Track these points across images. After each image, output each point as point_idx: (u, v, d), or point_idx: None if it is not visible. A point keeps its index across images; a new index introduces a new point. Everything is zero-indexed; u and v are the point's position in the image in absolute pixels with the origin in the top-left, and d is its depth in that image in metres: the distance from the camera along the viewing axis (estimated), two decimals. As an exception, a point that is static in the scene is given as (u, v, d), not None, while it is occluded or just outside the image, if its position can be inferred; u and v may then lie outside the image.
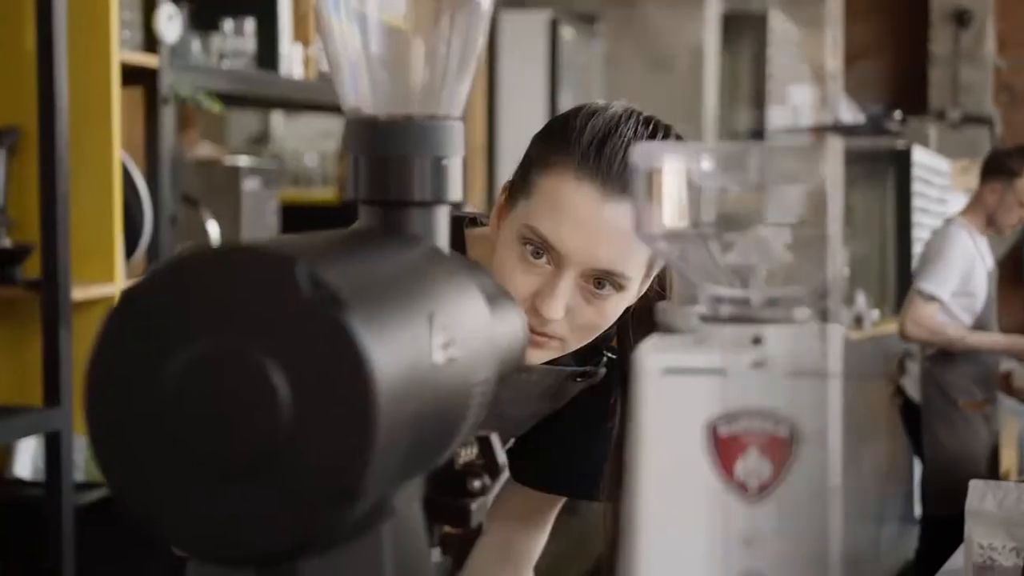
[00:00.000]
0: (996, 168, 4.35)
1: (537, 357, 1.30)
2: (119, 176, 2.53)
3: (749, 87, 7.39)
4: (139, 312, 0.64)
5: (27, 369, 2.44)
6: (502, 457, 1.03)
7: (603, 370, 1.41)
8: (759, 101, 7.36)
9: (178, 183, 2.88)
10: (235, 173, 3.08)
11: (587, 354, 1.41)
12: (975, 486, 2.05)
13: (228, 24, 3.05)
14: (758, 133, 7.36)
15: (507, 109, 4.83)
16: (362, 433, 0.62)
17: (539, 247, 1.25)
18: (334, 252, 0.70)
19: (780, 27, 7.49)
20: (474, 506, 0.88)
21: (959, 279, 4.27)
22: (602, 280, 1.25)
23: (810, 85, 5.48)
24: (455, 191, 0.84)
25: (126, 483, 0.65)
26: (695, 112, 5.62)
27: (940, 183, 7.61)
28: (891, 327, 6.61)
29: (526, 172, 1.28)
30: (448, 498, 0.88)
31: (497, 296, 0.88)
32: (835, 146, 0.72)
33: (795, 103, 8.04)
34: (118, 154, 2.53)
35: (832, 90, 5.52)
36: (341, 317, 0.62)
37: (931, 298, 4.23)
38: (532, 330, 1.26)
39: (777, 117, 7.49)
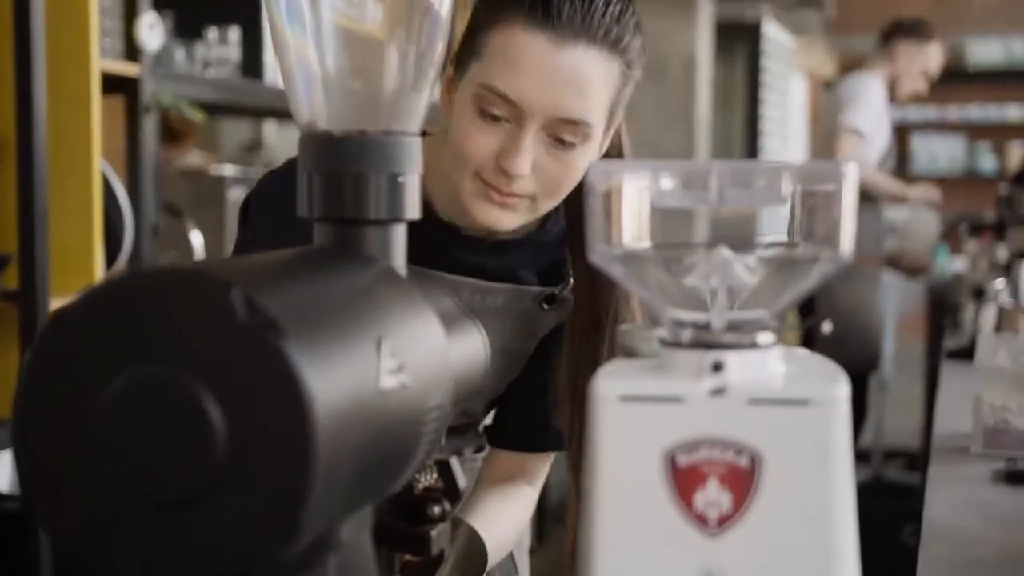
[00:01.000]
0: (911, 31, 4.59)
1: (509, 220, 1.28)
2: (99, 186, 2.50)
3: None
4: (71, 336, 0.62)
5: (4, 381, 2.41)
6: (463, 481, 1.00)
7: (569, 296, 1.40)
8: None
9: (160, 193, 2.85)
10: (220, 183, 3.06)
11: (550, 275, 1.40)
12: (986, 339, 1.93)
13: (212, 32, 3.03)
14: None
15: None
16: (300, 465, 0.59)
17: (496, 106, 1.23)
18: (277, 275, 0.67)
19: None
20: (434, 533, 0.85)
21: (873, 121, 4.43)
22: (564, 135, 1.24)
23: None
24: (412, 208, 0.82)
25: (55, 514, 0.62)
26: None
27: (785, 60, 7.79)
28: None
29: (473, 35, 1.26)
30: (407, 525, 0.85)
31: (455, 316, 0.86)
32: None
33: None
34: (98, 163, 2.50)
35: None
36: (278, 344, 0.59)
37: (854, 131, 4.37)
38: (500, 191, 1.25)
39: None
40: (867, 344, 4.40)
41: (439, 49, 0.83)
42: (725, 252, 0.71)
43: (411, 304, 0.75)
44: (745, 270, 0.70)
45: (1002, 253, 4.16)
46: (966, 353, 2.87)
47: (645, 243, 0.72)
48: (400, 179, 0.81)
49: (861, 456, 5.57)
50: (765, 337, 0.70)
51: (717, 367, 0.68)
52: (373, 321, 0.69)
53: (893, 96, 4.62)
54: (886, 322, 5.85)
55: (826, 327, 3.41)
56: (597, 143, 1.28)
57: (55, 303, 2.40)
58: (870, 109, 4.42)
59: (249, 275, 0.64)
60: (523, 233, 1.39)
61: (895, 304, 5.93)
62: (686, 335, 0.70)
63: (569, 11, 1.20)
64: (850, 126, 4.37)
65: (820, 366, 0.72)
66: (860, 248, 3.63)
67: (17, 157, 2.36)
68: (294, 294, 0.65)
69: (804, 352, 0.76)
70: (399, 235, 0.82)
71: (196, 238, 2.95)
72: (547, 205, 1.28)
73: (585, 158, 1.26)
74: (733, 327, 0.70)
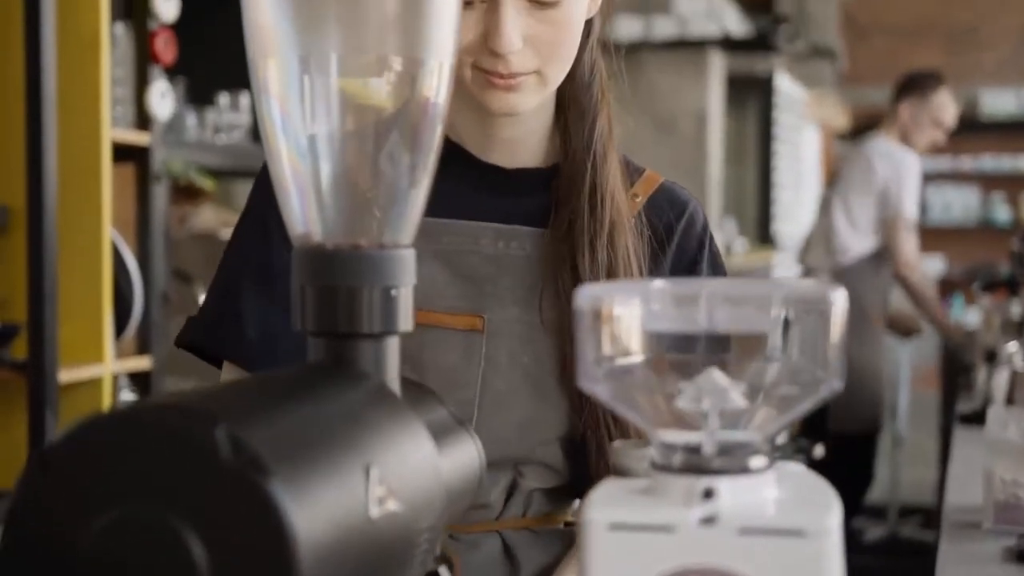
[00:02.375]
0: (913, 86, 4.62)
1: (523, 101, 1.20)
2: (109, 255, 2.51)
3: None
4: (54, 475, 0.61)
5: (13, 452, 2.41)
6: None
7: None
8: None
9: (171, 258, 2.86)
10: (230, 246, 3.06)
11: None
12: (995, 413, 1.91)
13: (223, 98, 3.05)
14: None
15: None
16: (285, 605, 0.59)
17: None
18: (262, 404, 0.67)
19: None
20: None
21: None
22: None
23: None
24: (406, 321, 0.82)
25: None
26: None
27: (797, 112, 7.82)
28: (760, 257, 6.76)
29: None
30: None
31: (448, 427, 0.85)
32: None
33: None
34: (108, 233, 2.51)
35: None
36: (263, 483, 0.59)
37: (912, 220, 4.39)
38: (500, 75, 1.18)
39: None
40: (871, 404, 4.37)
41: (431, 160, 0.83)
42: (716, 375, 0.70)
43: (402, 423, 0.75)
44: (738, 394, 0.70)
45: (1016, 309, 4.14)
46: (979, 418, 2.85)
47: (635, 364, 0.72)
48: (393, 292, 0.80)
49: (877, 513, 5.53)
50: (757, 461, 0.69)
51: (708, 494, 0.68)
52: (362, 447, 0.69)
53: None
54: (900, 376, 5.84)
55: (818, 451, 3.40)
56: None
57: (64, 374, 2.40)
58: (916, 189, 4.42)
59: (235, 407, 0.64)
60: (551, 161, 1.30)
61: (908, 358, 5.91)
62: (677, 459, 0.70)
63: None
64: (910, 217, 4.37)
65: (814, 489, 0.71)
66: (867, 306, 3.61)
67: (27, 227, 2.37)
68: (281, 425, 0.64)
69: (798, 468, 0.75)
70: (392, 348, 0.82)
71: (206, 303, 2.95)
72: (557, 73, 1.21)
73: (577, 10, 1.19)
74: (724, 451, 0.70)
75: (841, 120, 9.34)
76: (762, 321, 0.70)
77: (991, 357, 3.27)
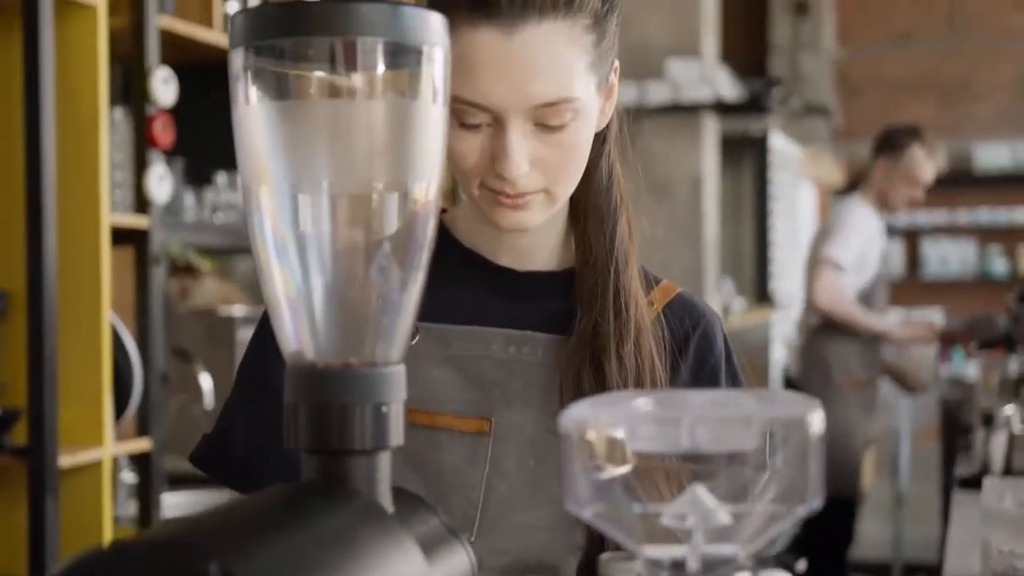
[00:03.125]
0: (884, 144, 4.58)
1: (530, 218, 1.19)
2: (108, 338, 2.53)
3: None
4: (53, 610, 0.63)
5: (12, 538, 2.41)
6: None
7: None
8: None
9: (170, 336, 2.88)
10: (231, 323, 3.08)
11: None
12: (990, 484, 1.90)
13: (221, 177, 3.08)
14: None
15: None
16: None
17: (470, 115, 1.15)
18: (254, 532, 0.68)
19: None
20: None
21: (857, 251, 4.38)
22: (550, 120, 1.15)
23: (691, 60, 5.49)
24: (397, 436, 0.84)
25: None
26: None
27: (792, 169, 7.84)
28: (758, 316, 6.76)
29: None
30: None
31: (441, 539, 0.87)
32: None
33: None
34: (107, 317, 2.53)
35: (710, 63, 5.57)
36: (256, 618, 0.60)
37: (836, 265, 4.33)
38: (507, 195, 1.17)
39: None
40: (844, 468, 4.32)
41: (419, 281, 0.85)
42: (700, 492, 0.72)
43: (392, 541, 0.76)
44: (722, 511, 0.71)
45: (1014, 367, 4.14)
46: (977, 482, 2.85)
47: (619, 483, 0.73)
48: (384, 409, 0.82)
49: (880, 572, 5.51)
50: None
51: (693, 610, 0.69)
52: (353, 569, 0.70)
53: (889, 210, 4.62)
54: (901, 433, 5.83)
55: (800, 566, 3.36)
56: (592, 110, 1.19)
57: (64, 459, 2.41)
58: (854, 238, 4.39)
59: (227, 538, 0.65)
60: (564, 265, 1.30)
61: (909, 414, 5.92)
62: (663, 574, 0.71)
63: None
64: (828, 257, 4.35)
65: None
66: (843, 370, 3.60)
67: (27, 312, 2.39)
68: (272, 554, 0.66)
69: (782, 577, 0.76)
70: (384, 463, 0.83)
71: (206, 381, 2.97)
72: (564, 191, 1.20)
73: (585, 129, 1.19)
74: (709, 566, 0.71)
75: (836, 176, 9.40)
76: (744, 440, 0.72)
77: (988, 420, 3.27)
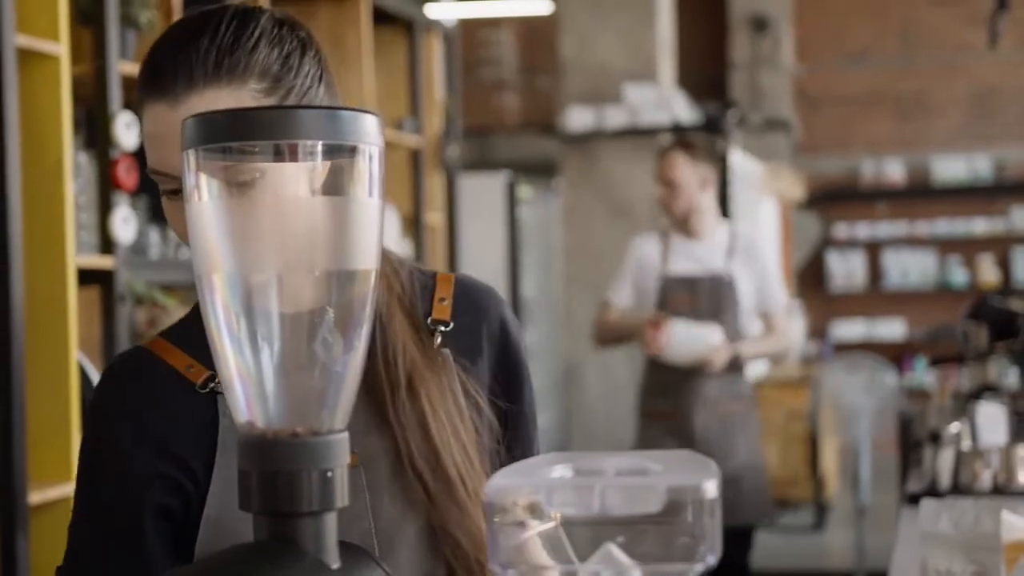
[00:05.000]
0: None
1: None
2: (76, 377, 2.59)
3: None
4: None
5: (-16, 575, 2.47)
6: None
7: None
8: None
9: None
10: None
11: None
12: (927, 505, 1.98)
13: (185, 214, 3.15)
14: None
15: (468, 268, 4.95)
16: None
17: (166, 183, 1.21)
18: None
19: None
20: None
21: (632, 285, 4.16)
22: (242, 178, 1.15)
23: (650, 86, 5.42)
24: (342, 497, 0.91)
25: None
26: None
27: (754, 185, 7.95)
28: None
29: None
30: None
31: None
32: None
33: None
34: (75, 356, 2.59)
35: (667, 88, 5.57)
36: None
37: (606, 304, 4.19)
38: None
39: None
40: (753, 496, 4.20)
41: (365, 340, 0.92)
42: (613, 550, 0.80)
43: (338, 598, 0.84)
44: (634, 569, 0.79)
45: (965, 382, 4.23)
46: (925, 498, 2.93)
47: (539, 544, 0.81)
48: (330, 474, 0.90)
49: (844, 582, 5.62)
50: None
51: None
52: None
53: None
54: (861, 447, 5.94)
55: None
56: (284, 173, 1.16)
57: (34, 496, 2.47)
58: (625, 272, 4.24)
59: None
60: None
61: (868, 428, 6.02)
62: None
63: (172, 69, 1.19)
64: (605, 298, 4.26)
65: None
66: (723, 396, 3.56)
67: (-5, 353, 2.46)
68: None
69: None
70: (330, 523, 0.91)
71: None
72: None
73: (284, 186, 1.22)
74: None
75: (797, 191, 9.54)
76: (649, 504, 0.80)
77: (936, 437, 3.36)
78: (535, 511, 0.82)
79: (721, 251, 4.08)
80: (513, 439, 1.34)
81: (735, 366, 4.08)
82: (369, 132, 0.90)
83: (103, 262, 2.74)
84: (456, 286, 1.36)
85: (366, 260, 0.91)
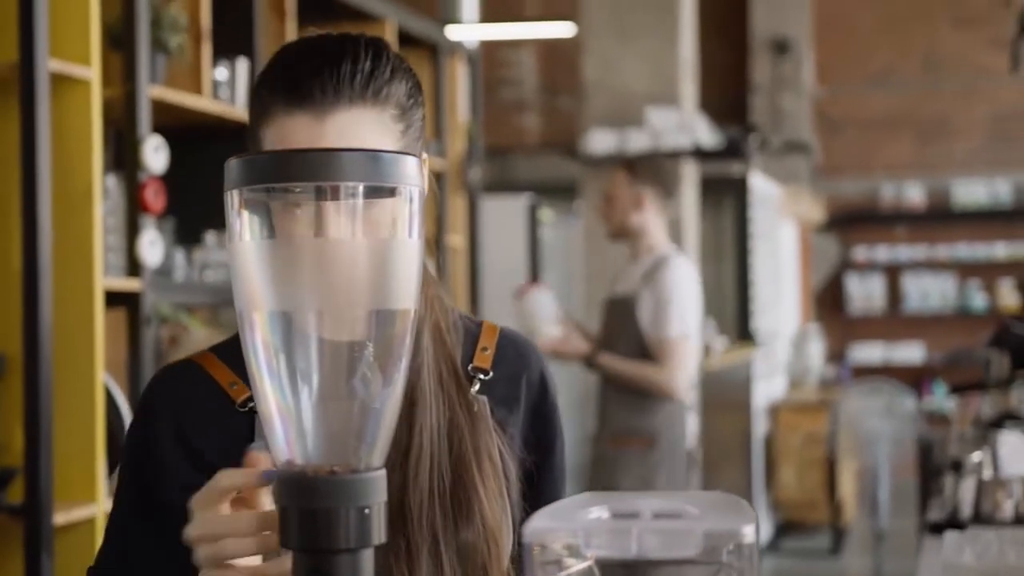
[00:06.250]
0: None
1: None
2: (102, 399, 2.61)
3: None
4: None
5: (10, 597, 2.49)
6: None
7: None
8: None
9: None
10: (218, 377, 3.15)
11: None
12: (950, 538, 1.98)
13: (211, 237, 3.17)
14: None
15: (490, 291, 4.95)
16: None
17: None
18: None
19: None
20: None
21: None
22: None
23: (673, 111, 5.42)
24: (379, 535, 0.92)
25: None
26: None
27: (773, 208, 7.94)
28: (739, 355, 6.82)
29: (253, 139, 1.27)
30: None
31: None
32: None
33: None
34: (101, 377, 2.61)
35: (689, 111, 5.59)
36: None
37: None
38: None
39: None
40: None
41: (396, 396, 0.93)
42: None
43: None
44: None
45: (987, 410, 4.22)
46: (947, 527, 2.92)
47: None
48: (367, 511, 0.91)
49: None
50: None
51: None
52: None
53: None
54: (880, 472, 5.93)
55: None
56: None
57: (59, 516, 2.49)
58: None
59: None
60: None
61: (887, 454, 6.01)
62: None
63: (320, 84, 1.21)
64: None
65: None
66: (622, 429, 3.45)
67: (24, 374, 2.47)
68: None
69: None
70: (367, 559, 0.92)
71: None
72: None
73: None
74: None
75: (817, 213, 9.53)
76: (686, 548, 0.81)
77: (958, 465, 3.35)
78: (572, 552, 0.82)
79: (640, 273, 4.02)
80: (540, 494, 1.34)
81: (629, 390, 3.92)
82: (410, 174, 0.92)
83: (130, 284, 2.76)
84: (500, 337, 1.38)
85: (405, 299, 0.92)
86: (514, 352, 1.38)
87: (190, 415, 1.29)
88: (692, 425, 4.12)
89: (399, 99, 1.25)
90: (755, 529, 0.80)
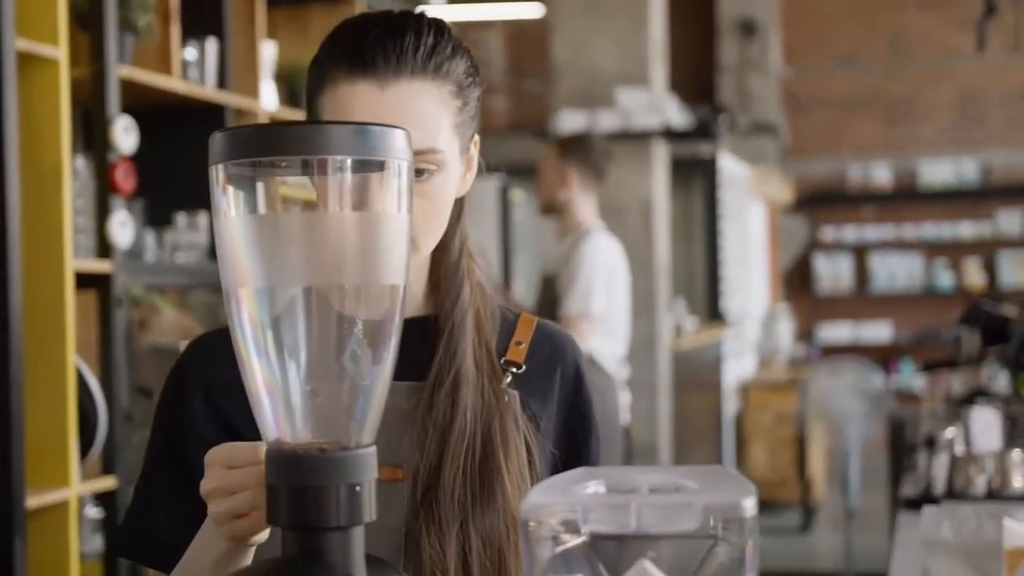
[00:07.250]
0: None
1: None
2: (73, 381, 2.58)
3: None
4: None
5: (-18, 579, 2.46)
6: None
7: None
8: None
9: (132, 373, 2.93)
10: (190, 359, 3.12)
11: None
12: (928, 512, 1.98)
13: (181, 218, 3.14)
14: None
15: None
16: None
17: None
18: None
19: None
20: None
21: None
22: (417, 164, 1.19)
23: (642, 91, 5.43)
24: (370, 512, 0.91)
25: None
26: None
27: (742, 188, 7.99)
28: (710, 335, 6.86)
29: (310, 106, 1.28)
30: None
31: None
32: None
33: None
34: (72, 360, 2.58)
35: (658, 91, 5.60)
36: None
37: None
38: None
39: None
40: None
41: (392, 355, 0.92)
42: (648, 565, 0.80)
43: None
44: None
45: (957, 386, 4.24)
46: (921, 503, 2.93)
47: (573, 562, 0.81)
48: (358, 488, 0.90)
49: (833, 584, 5.63)
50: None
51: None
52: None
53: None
54: (850, 451, 5.96)
55: None
56: (455, 168, 1.28)
57: (31, 500, 2.46)
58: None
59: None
60: (426, 312, 1.34)
61: (858, 433, 6.04)
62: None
63: (383, 54, 1.23)
64: None
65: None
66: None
67: (-7, 358, 2.44)
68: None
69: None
70: (358, 537, 0.91)
71: (168, 419, 3.01)
72: (428, 242, 1.28)
73: (448, 186, 1.27)
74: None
75: (785, 193, 9.55)
76: (686, 522, 0.80)
77: (931, 442, 3.37)
78: (569, 527, 0.81)
79: (563, 250, 4.10)
80: None
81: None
82: (398, 147, 0.90)
83: (101, 266, 2.73)
84: (536, 330, 1.38)
85: (395, 275, 0.91)
86: (550, 346, 1.38)
87: (218, 379, 1.28)
88: (624, 400, 4.13)
89: (458, 76, 1.28)
90: (754, 503, 0.79)
